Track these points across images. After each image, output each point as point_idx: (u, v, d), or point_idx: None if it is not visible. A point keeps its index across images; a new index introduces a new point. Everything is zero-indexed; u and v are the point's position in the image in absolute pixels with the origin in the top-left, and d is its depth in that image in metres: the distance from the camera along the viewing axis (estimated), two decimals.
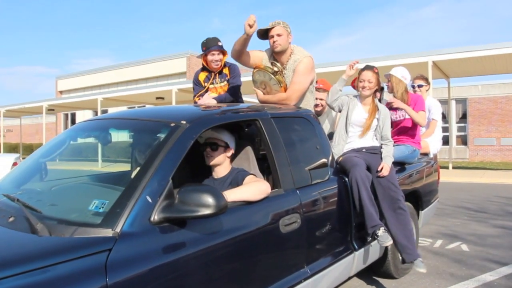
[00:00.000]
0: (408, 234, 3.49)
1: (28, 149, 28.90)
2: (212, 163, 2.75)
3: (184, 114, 2.58)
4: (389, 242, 3.26)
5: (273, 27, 3.62)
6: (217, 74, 3.82)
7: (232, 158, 2.87)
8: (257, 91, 3.82)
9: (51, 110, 25.97)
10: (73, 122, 30.65)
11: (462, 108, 22.08)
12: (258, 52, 3.83)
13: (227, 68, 3.90)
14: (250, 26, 3.40)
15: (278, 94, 3.66)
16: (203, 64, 3.89)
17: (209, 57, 3.78)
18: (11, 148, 30.14)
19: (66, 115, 31.98)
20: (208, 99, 3.71)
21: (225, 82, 3.83)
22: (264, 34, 3.67)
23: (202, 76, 3.85)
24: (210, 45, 3.74)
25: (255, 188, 2.47)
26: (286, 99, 3.62)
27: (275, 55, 3.76)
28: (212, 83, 3.83)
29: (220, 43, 3.76)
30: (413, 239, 3.57)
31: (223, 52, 3.81)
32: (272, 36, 3.63)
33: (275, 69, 3.66)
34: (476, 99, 21.53)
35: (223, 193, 2.13)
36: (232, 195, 2.32)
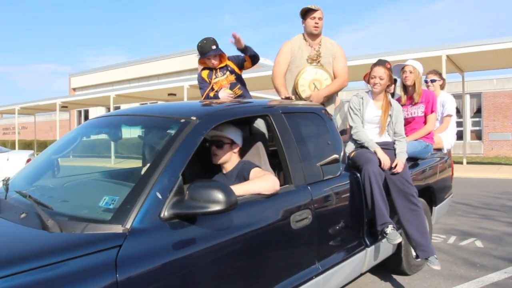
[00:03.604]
0: (423, 230, 3.44)
1: (43, 146, 29.25)
2: (219, 162, 2.73)
3: (194, 110, 2.58)
4: (398, 240, 3.21)
5: (318, 10, 3.94)
6: (218, 69, 3.87)
7: (243, 153, 2.85)
8: (305, 93, 4.04)
9: (64, 107, 26.24)
10: (86, 119, 30.92)
11: (476, 102, 21.79)
12: (285, 54, 4.11)
13: (226, 60, 3.92)
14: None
15: (335, 82, 4.06)
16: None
17: (206, 61, 3.87)
18: (25, 145, 30.56)
19: (80, 112, 32.30)
20: (226, 94, 3.75)
21: (227, 73, 3.87)
22: (304, 13, 3.99)
23: (205, 74, 3.96)
24: (205, 50, 3.75)
25: (263, 183, 2.44)
26: (343, 82, 4.12)
27: (310, 37, 4.04)
28: (215, 77, 3.88)
29: (214, 47, 3.74)
30: (428, 236, 3.53)
31: (220, 55, 3.83)
32: (314, 18, 3.94)
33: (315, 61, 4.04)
34: (491, 93, 21.21)
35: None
36: (241, 189, 2.31)
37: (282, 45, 4.16)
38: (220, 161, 2.72)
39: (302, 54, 4.05)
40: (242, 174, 2.62)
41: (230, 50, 3.99)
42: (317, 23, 3.95)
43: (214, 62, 3.81)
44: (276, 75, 4.07)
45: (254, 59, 3.89)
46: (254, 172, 2.58)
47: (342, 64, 4.13)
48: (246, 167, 2.65)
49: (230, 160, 2.74)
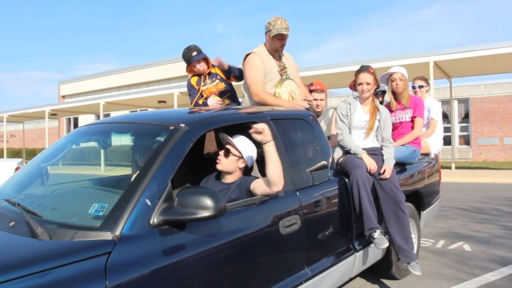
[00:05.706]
0: (407, 236, 3.49)
1: (31, 154, 28.92)
2: (220, 168, 2.73)
3: (183, 117, 2.60)
4: (385, 244, 3.24)
5: (288, 33, 3.75)
6: (207, 76, 3.91)
7: (247, 170, 2.84)
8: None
9: (53, 115, 26.06)
10: (75, 126, 30.72)
11: (464, 108, 22.03)
12: (261, 69, 3.76)
13: (216, 68, 3.96)
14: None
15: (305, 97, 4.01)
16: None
17: (193, 68, 3.92)
18: (14, 153, 30.25)
19: (69, 119, 32.09)
20: (215, 101, 3.77)
21: (217, 81, 3.91)
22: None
23: (194, 80, 4.00)
24: (187, 58, 3.86)
25: (279, 170, 2.52)
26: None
27: (274, 52, 3.85)
28: (204, 85, 3.90)
29: (194, 53, 3.84)
30: (411, 241, 3.57)
31: (204, 59, 3.89)
32: (283, 40, 3.77)
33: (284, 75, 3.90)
34: (478, 98, 21.47)
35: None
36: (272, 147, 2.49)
37: (252, 59, 3.77)
38: (221, 168, 2.72)
39: (272, 66, 3.83)
40: (244, 185, 2.62)
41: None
42: (284, 44, 3.83)
43: (200, 68, 3.86)
44: (262, 92, 3.72)
45: (239, 79, 3.99)
46: (256, 181, 2.60)
47: (299, 75, 4.23)
48: (250, 178, 2.67)
49: (232, 172, 2.73)
